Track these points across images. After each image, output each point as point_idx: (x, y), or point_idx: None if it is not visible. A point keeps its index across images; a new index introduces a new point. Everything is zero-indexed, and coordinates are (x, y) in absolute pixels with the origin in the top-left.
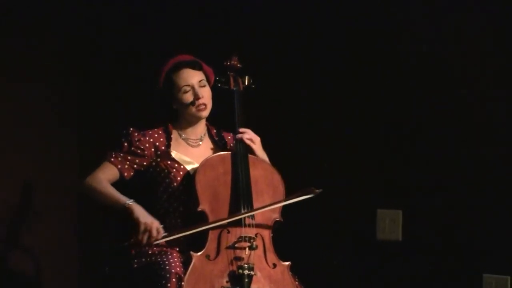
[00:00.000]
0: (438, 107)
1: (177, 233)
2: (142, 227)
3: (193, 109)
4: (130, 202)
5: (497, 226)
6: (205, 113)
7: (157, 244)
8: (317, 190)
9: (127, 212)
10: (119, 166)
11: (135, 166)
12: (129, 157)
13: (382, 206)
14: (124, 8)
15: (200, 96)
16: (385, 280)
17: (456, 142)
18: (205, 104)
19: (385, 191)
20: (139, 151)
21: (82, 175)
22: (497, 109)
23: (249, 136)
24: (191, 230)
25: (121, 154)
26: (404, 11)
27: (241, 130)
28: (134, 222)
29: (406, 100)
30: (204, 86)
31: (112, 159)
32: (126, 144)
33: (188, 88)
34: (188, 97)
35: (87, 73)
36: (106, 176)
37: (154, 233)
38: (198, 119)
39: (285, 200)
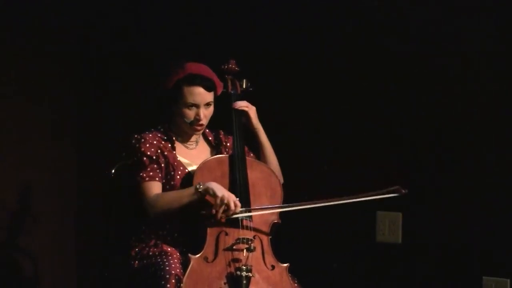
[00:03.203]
0: (438, 109)
1: (255, 210)
2: (218, 201)
3: (189, 126)
4: (200, 185)
5: (497, 228)
6: (200, 132)
7: (236, 217)
8: (404, 191)
9: (203, 195)
10: (157, 178)
11: (161, 170)
12: (155, 166)
13: (382, 208)
14: (125, 13)
15: (201, 117)
16: (385, 283)
17: (456, 144)
18: (202, 125)
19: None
20: (154, 157)
21: (82, 177)
22: (499, 111)
23: (245, 104)
24: (269, 209)
25: (148, 169)
26: (404, 11)
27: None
28: (207, 200)
29: (406, 103)
30: (209, 106)
31: (147, 178)
32: (145, 157)
33: (193, 107)
34: (190, 115)
35: (86, 74)
36: (156, 191)
37: (232, 206)
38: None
39: (366, 196)
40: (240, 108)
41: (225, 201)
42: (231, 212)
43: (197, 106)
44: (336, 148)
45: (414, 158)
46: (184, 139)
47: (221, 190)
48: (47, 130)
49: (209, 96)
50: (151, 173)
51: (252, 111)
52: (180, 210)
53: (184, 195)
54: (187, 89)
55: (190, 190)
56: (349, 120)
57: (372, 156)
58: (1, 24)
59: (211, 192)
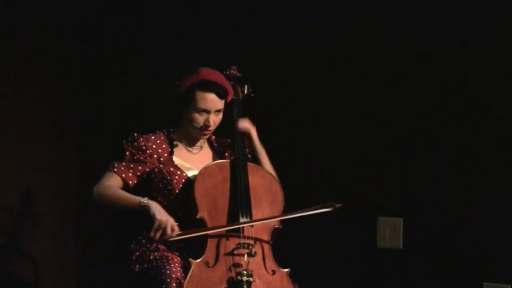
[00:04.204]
0: (438, 109)
1: (191, 233)
2: (156, 224)
3: (198, 130)
4: (145, 200)
5: (497, 234)
6: (206, 136)
7: (172, 240)
8: (337, 205)
9: (144, 211)
10: (123, 175)
11: (138, 173)
12: (131, 165)
13: (382, 214)
14: (125, 14)
15: (211, 124)
16: None
17: (456, 150)
18: (210, 130)
19: (386, 199)
20: (142, 157)
21: (82, 177)
22: (499, 111)
23: (246, 125)
24: (205, 231)
25: (124, 163)
26: (404, 11)
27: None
28: (150, 219)
29: (406, 103)
30: (219, 113)
31: (115, 169)
32: (128, 152)
33: (204, 113)
34: (199, 120)
35: (86, 74)
36: (111, 184)
37: (169, 230)
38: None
39: (301, 212)
40: (243, 129)
41: (163, 225)
42: (167, 236)
43: (207, 112)
44: (336, 148)
45: (415, 164)
46: (189, 143)
47: (160, 214)
48: (47, 130)
49: (220, 104)
50: (122, 168)
51: (252, 132)
52: (119, 210)
53: (126, 200)
54: (199, 94)
55: (135, 200)
56: (349, 120)
57: (372, 156)
58: (1, 24)
59: (151, 213)
